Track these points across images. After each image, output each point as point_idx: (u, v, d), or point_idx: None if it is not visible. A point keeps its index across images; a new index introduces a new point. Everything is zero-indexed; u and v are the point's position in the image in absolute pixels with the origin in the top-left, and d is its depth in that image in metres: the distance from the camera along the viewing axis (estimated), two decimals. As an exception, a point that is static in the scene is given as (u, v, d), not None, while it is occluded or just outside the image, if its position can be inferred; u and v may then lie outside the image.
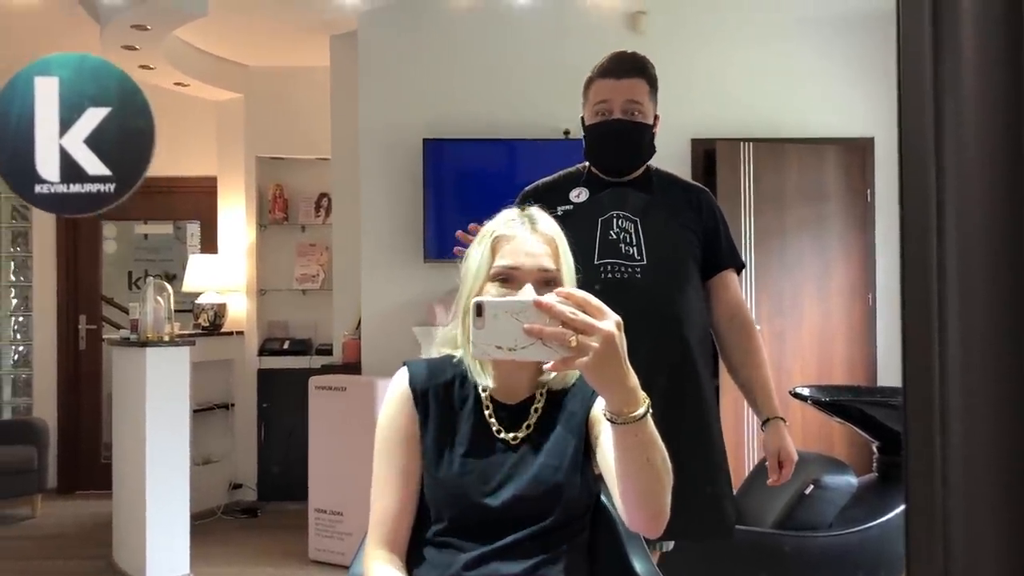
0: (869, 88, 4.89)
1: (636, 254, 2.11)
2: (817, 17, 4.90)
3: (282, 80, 5.86)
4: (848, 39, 4.92)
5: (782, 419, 2.16)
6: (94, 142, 0.65)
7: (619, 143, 2.18)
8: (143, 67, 5.18)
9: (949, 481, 0.54)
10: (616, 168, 2.21)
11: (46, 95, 0.64)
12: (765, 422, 2.17)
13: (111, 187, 0.66)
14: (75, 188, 0.65)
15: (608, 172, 2.22)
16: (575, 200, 2.19)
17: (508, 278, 1.41)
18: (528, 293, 1.38)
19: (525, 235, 1.44)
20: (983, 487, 0.54)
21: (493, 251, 1.44)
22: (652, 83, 2.19)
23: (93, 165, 0.65)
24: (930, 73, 0.56)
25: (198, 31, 5.02)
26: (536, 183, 2.30)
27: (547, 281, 1.41)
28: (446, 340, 1.55)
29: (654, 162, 2.29)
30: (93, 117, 0.65)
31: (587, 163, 2.26)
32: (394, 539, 1.46)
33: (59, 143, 0.64)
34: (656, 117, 2.22)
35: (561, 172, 2.31)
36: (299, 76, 5.83)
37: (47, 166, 0.64)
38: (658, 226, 2.15)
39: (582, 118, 2.25)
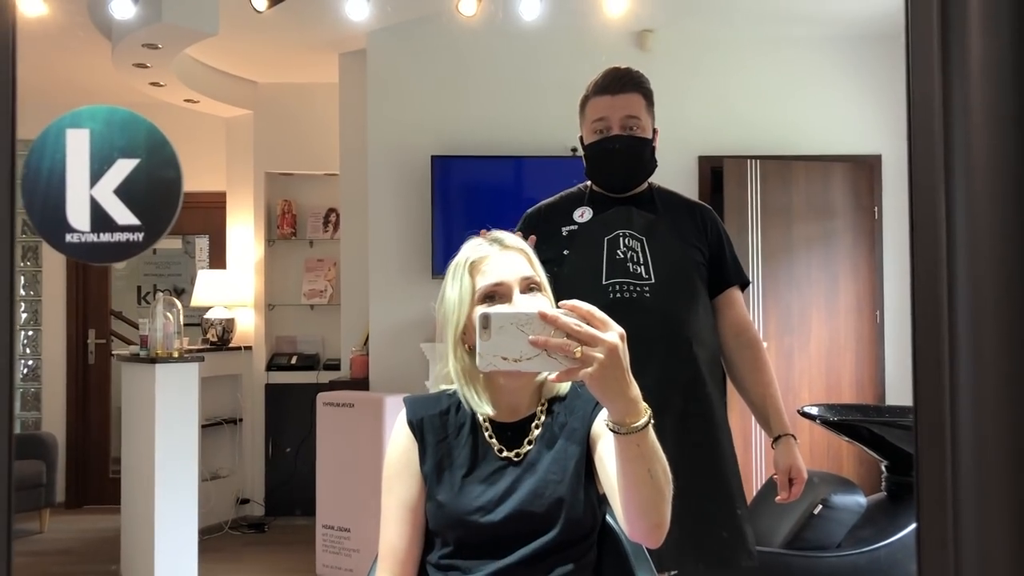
0: (876, 105, 4.90)
1: (644, 273, 2.09)
2: (824, 35, 4.92)
3: (291, 97, 5.90)
4: (855, 57, 4.94)
5: (793, 436, 2.14)
6: (123, 192, 0.66)
7: (619, 160, 2.15)
8: (153, 84, 5.22)
9: (960, 503, 0.55)
10: (618, 185, 2.19)
11: (77, 147, 0.65)
12: (776, 439, 2.14)
13: (139, 236, 0.67)
14: (105, 237, 0.66)
15: (610, 189, 2.19)
16: (579, 220, 2.17)
17: (494, 295, 1.45)
18: (520, 302, 1.42)
19: (496, 252, 1.49)
20: (994, 508, 0.54)
21: (472, 276, 1.47)
22: (648, 97, 2.18)
23: (122, 215, 0.66)
24: (939, 93, 0.56)
25: (208, 49, 5.06)
26: (539, 204, 2.28)
27: (531, 286, 1.46)
28: (440, 378, 1.58)
29: (657, 179, 2.29)
30: (123, 168, 0.67)
31: (588, 182, 2.25)
32: (401, 571, 1.48)
33: (89, 194, 0.66)
34: (655, 131, 2.20)
35: (563, 192, 2.28)
36: (308, 93, 5.87)
37: (78, 216, 0.65)
38: (664, 244, 2.13)
39: (580, 137, 2.23)
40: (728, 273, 2.21)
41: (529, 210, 2.29)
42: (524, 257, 1.50)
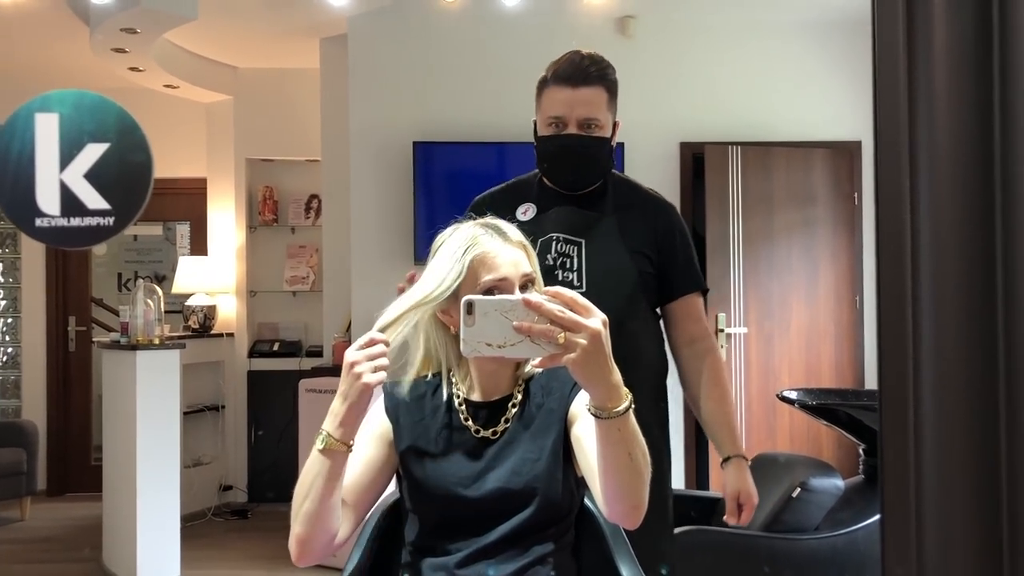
0: (857, 92, 4.92)
1: (576, 280, 1.96)
2: (805, 21, 4.93)
3: (272, 82, 5.86)
4: (836, 43, 4.96)
5: (744, 458, 2.00)
6: (94, 177, 0.67)
7: (573, 160, 2.00)
8: (132, 69, 5.17)
9: (922, 485, 0.56)
10: (569, 185, 2.04)
11: (46, 131, 0.65)
12: (725, 460, 2.00)
13: (110, 220, 0.68)
14: (75, 221, 0.67)
15: (560, 187, 2.05)
16: (521, 218, 2.02)
17: (494, 290, 1.43)
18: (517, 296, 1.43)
19: (499, 247, 1.46)
20: (955, 491, 0.56)
21: (474, 267, 1.44)
22: (612, 89, 2.00)
23: (93, 199, 0.66)
24: (904, 79, 0.58)
25: (188, 33, 5.02)
26: (486, 194, 2.15)
27: (528, 283, 1.47)
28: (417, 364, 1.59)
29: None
30: (93, 152, 0.67)
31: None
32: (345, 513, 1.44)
33: (59, 178, 0.66)
34: (616, 124, 2.04)
35: (514, 180, 2.16)
36: (289, 78, 5.83)
37: (48, 200, 0.65)
38: (603, 249, 1.99)
39: (535, 122, 2.06)
40: (678, 280, 2.06)
41: (477, 199, 2.14)
42: (524, 252, 1.50)
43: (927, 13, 0.57)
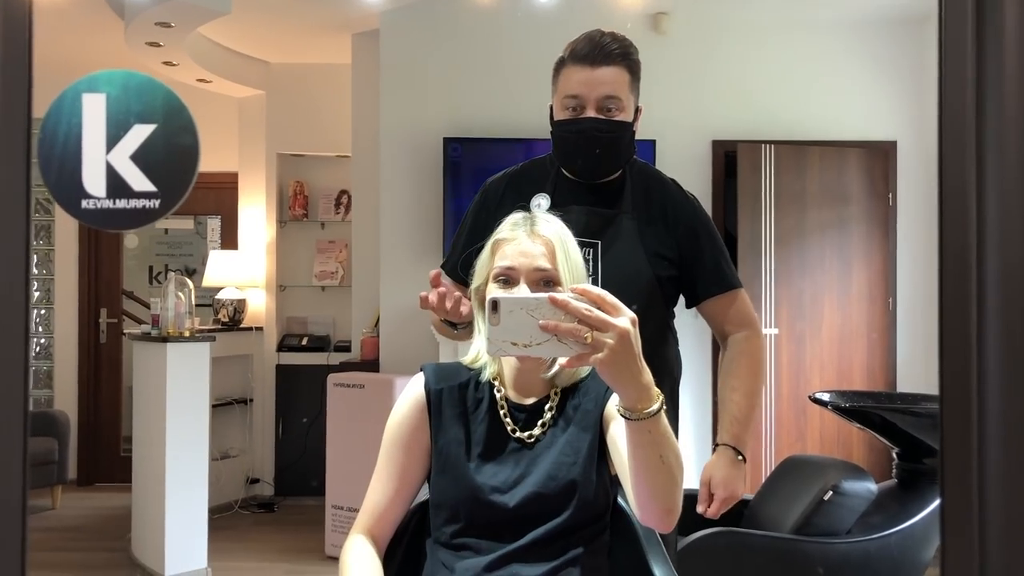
0: (892, 91, 4.86)
1: (591, 284, 1.90)
2: (840, 20, 4.87)
3: (304, 77, 5.88)
4: (871, 42, 4.89)
5: (734, 449, 1.88)
6: (140, 158, 0.66)
7: (592, 148, 1.86)
8: (166, 63, 5.21)
9: (986, 491, 0.54)
10: (587, 174, 1.93)
11: (93, 112, 0.65)
12: (716, 447, 1.93)
13: (156, 203, 0.67)
14: (121, 203, 0.66)
15: (577, 176, 1.94)
16: (534, 209, 1.91)
17: (507, 278, 1.46)
18: (523, 291, 1.42)
19: (523, 237, 1.48)
20: (1020, 488, 0.54)
21: (493, 254, 1.50)
22: (634, 70, 1.86)
23: (139, 181, 0.66)
24: (972, 76, 0.55)
25: (221, 28, 5.05)
26: (501, 175, 2.04)
27: (543, 280, 1.45)
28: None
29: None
30: (139, 134, 0.66)
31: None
32: (378, 531, 1.52)
33: (106, 159, 0.65)
34: (638, 109, 1.90)
35: (529, 162, 2.05)
36: (321, 73, 5.85)
37: (94, 182, 0.65)
38: (620, 252, 1.88)
39: (551, 107, 1.93)
40: (704, 282, 1.96)
41: (488, 181, 2.04)
42: (547, 248, 1.47)
43: (997, 8, 0.55)
